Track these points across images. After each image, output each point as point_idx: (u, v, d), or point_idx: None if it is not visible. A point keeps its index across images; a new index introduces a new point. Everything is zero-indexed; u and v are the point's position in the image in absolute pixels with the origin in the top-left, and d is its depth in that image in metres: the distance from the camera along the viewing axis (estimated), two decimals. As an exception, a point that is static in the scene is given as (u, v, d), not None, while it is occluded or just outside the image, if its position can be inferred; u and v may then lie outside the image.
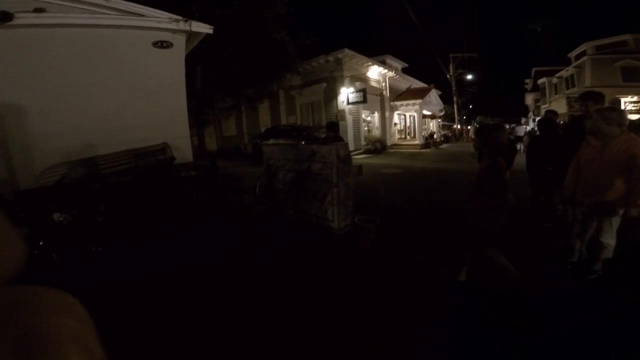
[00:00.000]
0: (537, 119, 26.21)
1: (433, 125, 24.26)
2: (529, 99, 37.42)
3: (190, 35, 5.85)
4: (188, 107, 8.31)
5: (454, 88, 26.36)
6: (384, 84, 18.52)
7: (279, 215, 4.94)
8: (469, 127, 24.66)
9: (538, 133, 4.59)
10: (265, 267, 3.19)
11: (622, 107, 19.12)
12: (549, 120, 4.36)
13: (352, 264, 3.26)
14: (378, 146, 16.51)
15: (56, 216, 2.86)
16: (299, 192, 4.56)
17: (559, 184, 4.13)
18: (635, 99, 19.75)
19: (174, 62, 5.67)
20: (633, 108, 19.48)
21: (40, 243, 2.73)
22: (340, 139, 4.85)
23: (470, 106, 41.21)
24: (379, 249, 3.60)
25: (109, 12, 5.04)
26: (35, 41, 4.52)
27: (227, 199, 5.60)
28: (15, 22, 4.33)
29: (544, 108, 28.91)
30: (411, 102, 19.40)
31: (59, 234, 2.87)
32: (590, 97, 3.53)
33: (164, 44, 5.48)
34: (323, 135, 4.27)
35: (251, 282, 2.89)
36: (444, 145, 21.99)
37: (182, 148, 5.50)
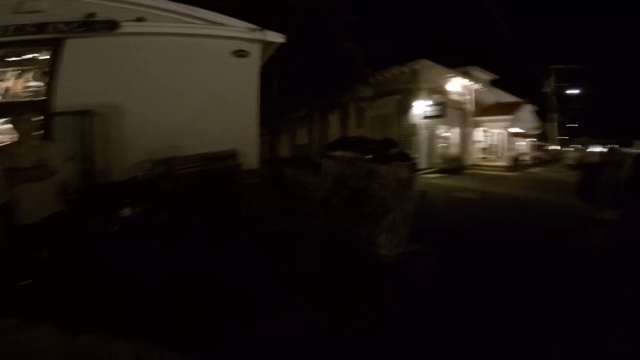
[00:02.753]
0: None
1: (525, 145, 21.39)
2: None
3: (266, 44, 6.24)
4: (264, 114, 8.91)
5: (553, 104, 22.92)
6: (467, 97, 17.09)
7: (330, 232, 4.82)
8: (566, 149, 20.94)
9: None
10: (292, 288, 3.09)
11: None
12: None
13: (396, 297, 2.95)
14: (454, 165, 15.22)
15: (126, 210, 3.25)
16: (352, 212, 4.37)
17: None
18: None
19: (250, 71, 6.12)
20: None
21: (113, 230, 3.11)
22: (406, 156, 4.50)
23: (574, 125, 35.17)
24: (432, 285, 3.19)
25: (194, 21, 5.71)
26: (135, 48, 5.37)
27: (286, 208, 5.71)
28: (120, 30, 5.21)
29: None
30: (499, 117, 17.51)
31: (128, 226, 3.25)
32: None
33: (242, 53, 5.96)
34: (388, 151, 4.00)
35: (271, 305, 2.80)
36: (535, 169, 19.13)
37: (250, 155, 5.85)
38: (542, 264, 3.90)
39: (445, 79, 15.15)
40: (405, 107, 14.54)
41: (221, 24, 5.82)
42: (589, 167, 4.52)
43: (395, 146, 4.64)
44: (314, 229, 5.09)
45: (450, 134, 16.90)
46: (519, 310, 2.76)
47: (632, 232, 1.92)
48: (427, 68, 13.84)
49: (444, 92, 15.16)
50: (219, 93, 5.85)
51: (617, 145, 4.35)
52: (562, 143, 28.76)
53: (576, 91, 24.50)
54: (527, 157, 20.42)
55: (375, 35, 12.04)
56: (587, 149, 10.37)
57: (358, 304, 2.82)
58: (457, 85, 15.90)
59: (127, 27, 5.24)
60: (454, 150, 16.78)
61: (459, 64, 16.66)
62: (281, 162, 17.55)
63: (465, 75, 16.28)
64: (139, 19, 5.37)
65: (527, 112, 20.01)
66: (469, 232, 5.28)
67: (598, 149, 14.04)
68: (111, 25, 5.09)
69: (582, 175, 4.57)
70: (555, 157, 25.08)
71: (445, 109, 13.46)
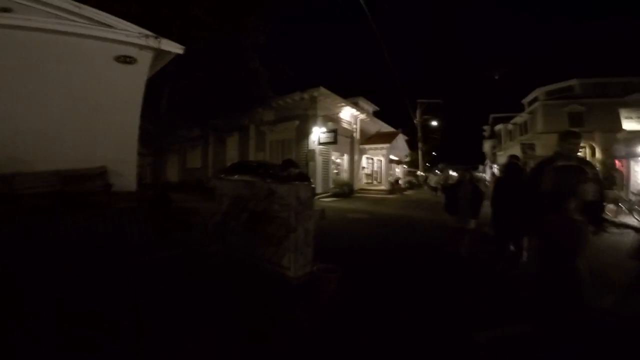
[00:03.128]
0: (494, 166, 28.12)
1: (399, 170, 25.07)
2: (487, 146, 38.99)
3: (159, 53, 5.50)
4: (148, 129, 7.71)
5: (419, 134, 27.87)
6: (355, 126, 19.02)
7: (228, 258, 4.35)
8: (430, 174, 25.75)
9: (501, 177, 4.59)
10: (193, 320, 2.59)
11: None
12: (513, 165, 4.36)
13: (307, 319, 2.77)
14: (346, 190, 16.45)
15: None
16: (254, 235, 4.06)
17: (525, 232, 4.05)
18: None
19: (135, 79, 5.24)
20: (579, 154, 20.63)
21: None
22: (305, 177, 4.52)
23: (434, 153, 43.52)
24: (340, 302, 3.15)
25: (77, 19, 4.63)
26: None
27: (172, 235, 4.91)
28: None
29: (499, 155, 30.84)
30: (379, 146, 19.96)
31: None
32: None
33: (128, 59, 5.08)
34: (285, 174, 3.92)
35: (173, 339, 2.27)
36: (409, 192, 22.55)
37: (126, 175, 4.88)
38: (429, 271, 4.39)
39: (339, 108, 16.54)
40: (303, 133, 15.13)
41: (109, 26, 4.85)
42: (450, 188, 5.46)
43: (296, 166, 4.63)
44: (208, 256, 4.50)
45: (340, 160, 18.37)
46: (424, 314, 2.96)
47: (559, 238, 2.23)
48: (324, 96, 14.82)
49: (336, 120, 16.52)
50: (92, 101, 4.75)
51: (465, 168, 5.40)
52: (427, 169, 35.03)
53: (435, 123, 30.51)
54: (402, 182, 23.94)
55: (281, 59, 12.05)
56: (444, 173, 12.85)
57: (269, 329, 2.51)
58: (347, 114, 17.58)
59: None
60: (344, 176, 18.24)
61: (347, 94, 18.44)
62: (167, 186, 15.57)
63: (354, 105, 18.17)
64: (4, 9, 4.04)
65: (401, 140, 23.62)
66: (364, 248, 5.62)
67: (453, 173, 17.62)
68: None
69: (446, 194, 5.52)
70: (423, 181, 30.24)
71: (337, 136, 14.58)
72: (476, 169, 27.17)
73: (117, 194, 4.32)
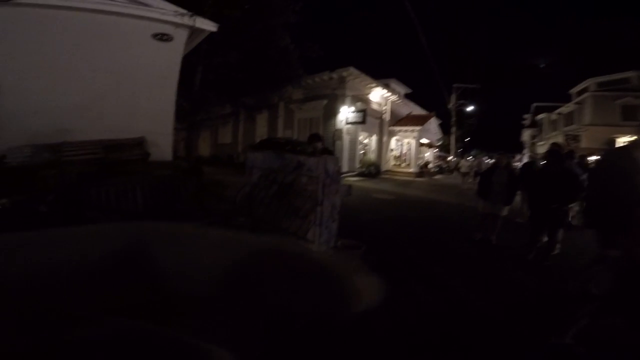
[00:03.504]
0: (528, 155, 26.44)
1: (429, 154, 24.28)
2: (526, 135, 37.25)
3: (194, 31, 5.58)
4: (183, 106, 7.96)
5: (453, 118, 26.63)
6: (385, 108, 18.52)
7: (255, 229, 4.49)
8: (461, 160, 24.56)
9: (542, 166, 4.32)
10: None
11: None
12: (555, 153, 4.08)
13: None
14: (372, 170, 16.27)
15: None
16: (280, 207, 4.15)
17: (564, 222, 3.84)
18: (632, 138, 18.96)
19: (171, 56, 5.37)
20: None
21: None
22: (330, 152, 4.49)
23: (468, 139, 41.54)
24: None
25: None
26: (33, 21, 4.28)
27: (203, 204, 5.14)
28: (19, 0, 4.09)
29: (539, 145, 29.02)
30: (410, 128, 19.35)
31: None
32: None
33: (164, 37, 5.20)
34: (311, 149, 3.93)
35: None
36: (438, 177, 21.89)
37: (162, 146, 5.10)
38: (456, 256, 4.30)
39: (368, 89, 16.14)
40: (331, 112, 14.99)
41: (146, 5, 4.98)
42: (485, 172, 5.20)
43: (322, 141, 4.61)
44: (236, 227, 4.69)
45: (368, 140, 18.06)
46: (449, 299, 2.94)
47: None
48: (353, 76, 14.52)
49: (366, 101, 16.14)
50: (132, 76, 4.96)
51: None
52: (459, 154, 33.63)
53: (472, 108, 28.99)
54: (431, 166, 23.23)
55: (311, 38, 11.87)
56: (478, 159, 12.18)
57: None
58: (377, 95, 17.11)
59: None
60: (372, 157, 17.97)
61: (379, 76, 17.93)
62: (199, 160, 16.19)
63: (385, 86, 17.63)
64: None
65: (433, 124, 22.75)
66: (388, 229, 5.58)
67: (488, 160, 16.85)
68: None
69: (480, 178, 5.27)
70: (454, 167, 29.20)
71: (366, 116, 14.30)
72: (512, 157, 25.69)
73: (154, 163, 4.55)
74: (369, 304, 0.33)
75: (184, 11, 5.21)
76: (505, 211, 4.74)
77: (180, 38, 5.40)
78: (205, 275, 0.32)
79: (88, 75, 4.73)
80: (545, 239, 4.08)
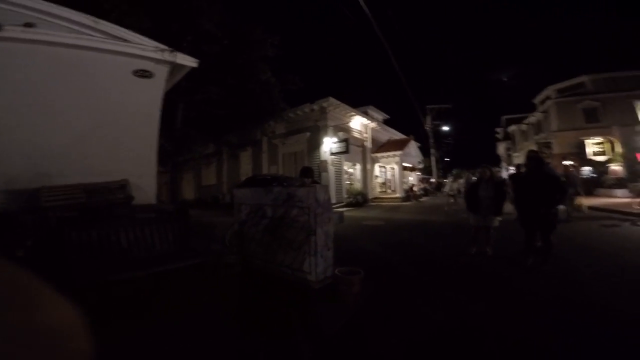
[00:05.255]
0: (509, 168, 27.35)
1: (413, 178, 24.76)
2: (501, 149, 38.09)
3: (174, 67, 5.68)
4: (164, 147, 7.91)
5: (431, 140, 27.59)
6: (366, 135, 19.04)
7: (247, 266, 4.32)
8: (444, 180, 24.83)
9: (523, 172, 4.48)
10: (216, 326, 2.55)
11: (588, 149, 19.21)
12: (536, 158, 4.24)
13: (331, 322, 2.70)
14: (360, 199, 16.34)
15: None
16: (272, 241, 4.04)
17: (554, 223, 3.92)
18: (599, 140, 19.39)
19: (152, 93, 5.40)
20: (598, 150, 19.26)
21: None
22: (320, 184, 4.51)
23: (447, 159, 42.81)
24: (363, 305, 3.06)
25: (95, 34, 4.86)
26: (13, 55, 4.23)
27: (191, 246, 4.94)
28: (1, 34, 4.09)
29: (515, 156, 30.10)
30: (392, 153, 19.82)
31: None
32: None
33: (145, 73, 5.26)
34: (298, 184, 3.94)
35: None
36: (424, 199, 22.18)
37: (146, 188, 4.98)
38: (454, 271, 4.23)
39: (349, 117, 16.64)
40: (315, 144, 15.24)
41: (126, 40, 5.07)
42: (471, 186, 5.32)
43: (312, 175, 4.65)
44: (228, 265, 4.50)
45: (353, 170, 18.32)
46: (454, 316, 2.83)
47: None
48: (333, 106, 14.98)
49: (347, 130, 16.59)
50: (113, 115, 4.91)
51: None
52: (441, 175, 34.44)
53: (447, 128, 30.23)
54: (416, 189, 23.59)
55: (290, 71, 12.28)
56: (466, 178, 12.28)
57: (294, 336, 2.45)
58: (357, 123, 17.65)
59: (10, 31, 4.13)
60: (358, 185, 18.14)
61: (356, 104, 18.51)
62: (184, 203, 15.82)
63: (364, 114, 18.26)
64: (28, 24, 4.32)
65: (413, 147, 23.41)
66: (380, 252, 5.49)
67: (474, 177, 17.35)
68: None
69: (466, 193, 5.38)
70: (437, 188, 29.78)
71: (349, 145, 14.59)
72: (495, 169, 26.18)
73: (138, 206, 4.40)
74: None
75: (164, 47, 5.33)
76: (496, 222, 4.82)
77: (161, 74, 5.47)
78: None
79: (68, 114, 4.63)
80: (539, 243, 4.14)
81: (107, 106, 4.92)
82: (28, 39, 4.33)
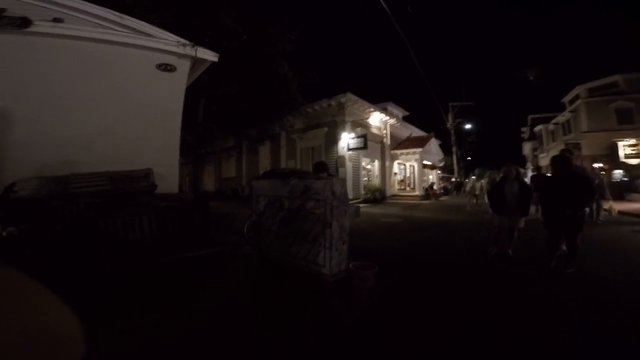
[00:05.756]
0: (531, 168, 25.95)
1: (433, 176, 24.23)
2: (527, 149, 36.74)
3: (196, 61, 5.83)
4: (187, 140, 8.14)
5: (453, 138, 26.82)
6: (384, 132, 18.78)
7: (263, 258, 4.38)
8: (465, 180, 24.06)
9: (550, 174, 4.27)
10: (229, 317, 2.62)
11: (620, 152, 18.31)
12: (563, 158, 4.04)
13: (343, 316, 2.70)
14: (377, 196, 16.18)
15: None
16: (289, 233, 4.06)
17: (581, 226, 3.74)
18: (632, 141, 18.47)
19: (175, 87, 5.58)
20: (632, 152, 18.35)
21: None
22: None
23: (469, 158, 41.42)
24: (377, 301, 3.04)
25: (120, 29, 5.07)
26: (44, 49, 4.50)
27: (210, 236, 5.07)
28: (32, 29, 4.35)
29: (542, 157, 28.82)
30: (411, 150, 19.47)
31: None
32: None
33: (168, 67, 5.43)
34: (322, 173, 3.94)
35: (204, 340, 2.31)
36: (444, 198, 21.70)
37: (169, 177, 5.15)
38: (473, 273, 4.12)
39: (367, 113, 16.46)
40: (332, 139, 15.20)
41: (149, 35, 5.26)
42: (495, 185, 5.09)
43: (328, 169, 4.63)
44: (245, 256, 4.59)
45: (371, 166, 18.14)
46: (467, 317, 2.77)
47: None
48: (351, 102, 14.86)
49: (365, 126, 16.42)
50: (137, 107, 5.12)
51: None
52: (462, 174, 33.46)
53: (470, 126, 29.24)
54: (436, 188, 23.09)
55: (307, 66, 12.24)
56: (491, 176, 11.70)
57: (307, 329, 2.47)
58: (376, 119, 17.44)
59: (40, 26, 4.40)
60: (376, 182, 17.96)
61: (376, 100, 18.32)
62: (205, 194, 16.24)
63: (383, 110, 18.00)
64: (57, 20, 4.57)
65: (434, 145, 22.89)
66: (397, 249, 5.43)
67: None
68: (22, 23, 4.23)
69: (491, 192, 5.19)
70: (458, 187, 28.99)
71: (367, 141, 14.44)
72: (520, 168, 25.05)
73: (161, 194, 4.56)
74: None
75: (186, 41, 5.48)
76: (522, 223, 4.63)
77: (183, 68, 5.63)
78: None
79: (95, 106, 4.88)
80: (564, 246, 3.96)
81: (131, 99, 5.12)
82: (57, 34, 4.56)
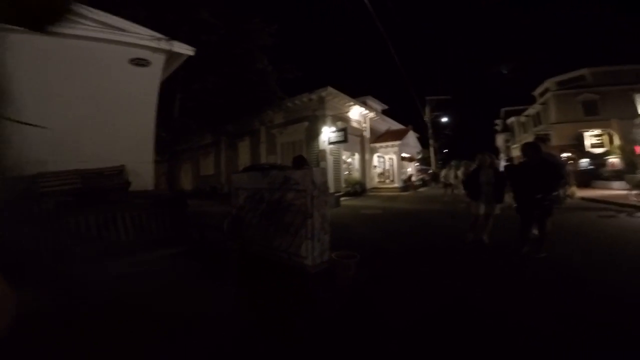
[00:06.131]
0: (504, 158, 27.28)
1: (411, 168, 24.75)
2: (500, 140, 38.07)
3: (171, 55, 5.63)
4: (162, 136, 7.88)
5: (430, 130, 27.46)
6: (364, 125, 18.95)
7: (245, 252, 4.35)
8: (442, 171, 24.68)
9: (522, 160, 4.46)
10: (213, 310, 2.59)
11: (587, 141, 19.41)
12: (534, 145, 4.23)
13: (328, 306, 2.73)
14: (358, 189, 16.35)
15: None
16: (269, 225, 4.06)
17: (551, 210, 3.94)
18: (597, 132, 19.55)
19: (149, 82, 5.37)
20: (597, 142, 19.39)
21: None
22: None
23: (445, 150, 42.55)
24: (359, 289, 3.10)
25: (90, 23, 4.80)
26: (7, 45, 4.17)
27: (187, 233, 4.96)
28: None
29: (514, 148, 30.07)
30: (390, 143, 19.77)
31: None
32: None
33: (142, 62, 5.22)
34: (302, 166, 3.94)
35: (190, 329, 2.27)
36: (422, 189, 22.24)
37: (143, 174, 4.97)
38: (450, 258, 4.27)
39: (347, 107, 16.50)
40: (313, 134, 15.16)
41: (122, 29, 5.01)
42: (471, 173, 5.25)
43: (307, 163, 4.62)
44: (225, 251, 4.52)
45: (351, 159, 18.28)
46: (446, 300, 2.87)
47: None
48: (332, 96, 14.84)
49: (346, 120, 16.48)
50: (110, 103, 4.89)
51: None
52: (440, 166, 34.34)
53: (446, 119, 30.05)
54: (414, 179, 23.62)
55: (288, 60, 12.07)
56: (465, 166, 11.75)
57: (291, 320, 2.47)
58: (356, 113, 17.53)
59: None
60: (356, 175, 18.13)
61: (355, 94, 18.34)
62: (182, 192, 15.81)
63: (363, 104, 18.11)
64: None
65: (412, 137, 23.33)
66: (377, 239, 5.53)
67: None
68: None
69: (467, 180, 5.34)
70: (435, 178, 29.73)
71: (347, 135, 14.50)
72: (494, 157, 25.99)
73: (135, 192, 4.40)
74: None
75: (161, 35, 5.29)
76: (497, 209, 4.80)
77: (158, 63, 5.43)
78: None
79: (65, 103, 4.62)
80: (535, 231, 4.16)
81: (103, 94, 4.89)
82: (19, 29, 4.25)
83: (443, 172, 14.84)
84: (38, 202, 3.20)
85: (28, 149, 4.20)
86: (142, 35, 5.15)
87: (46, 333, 2.12)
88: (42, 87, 4.42)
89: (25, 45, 4.31)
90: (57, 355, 1.97)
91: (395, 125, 23.25)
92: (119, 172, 4.22)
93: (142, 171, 5.00)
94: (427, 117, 26.94)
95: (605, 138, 19.19)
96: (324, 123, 14.80)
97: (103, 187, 3.92)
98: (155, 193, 4.84)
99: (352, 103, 16.50)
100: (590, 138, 19.68)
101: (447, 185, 13.77)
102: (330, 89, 14.30)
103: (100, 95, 4.86)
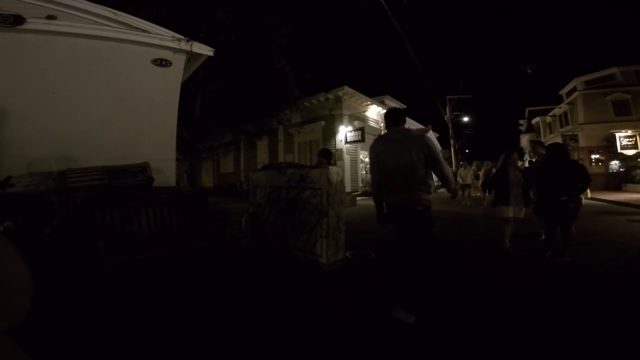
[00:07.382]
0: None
1: (431, 169, 24.21)
2: (524, 141, 36.64)
3: (191, 56, 5.81)
4: (184, 135, 8.13)
5: (450, 131, 26.78)
6: (382, 125, 18.72)
7: (261, 249, 4.42)
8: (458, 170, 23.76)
9: (546, 161, 4.26)
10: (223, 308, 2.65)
11: (617, 142, 18.50)
12: (558, 146, 4.05)
13: (341, 305, 2.73)
14: (376, 188, 16.18)
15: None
16: (285, 223, 4.11)
17: (576, 213, 3.77)
18: (629, 133, 18.63)
19: (170, 82, 5.56)
20: (628, 143, 18.50)
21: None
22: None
23: (467, 150, 41.38)
24: (375, 289, 3.07)
25: (114, 25, 5.05)
26: (38, 46, 4.51)
27: (207, 229, 5.09)
28: (25, 26, 4.35)
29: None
30: (409, 143, 19.38)
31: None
32: None
33: (163, 62, 5.42)
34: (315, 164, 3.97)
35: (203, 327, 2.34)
36: (441, 190, 21.75)
37: (166, 171, 5.16)
38: (470, 260, 4.16)
39: (364, 106, 16.36)
40: (330, 133, 15.15)
41: (144, 31, 5.24)
42: (495, 175, 4.75)
43: (330, 156, 4.64)
44: (243, 249, 4.61)
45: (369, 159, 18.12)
46: (468, 306, 2.81)
47: None
48: (348, 95, 14.77)
49: (363, 119, 16.35)
50: (134, 102, 5.13)
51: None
52: (461, 166, 33.41)
53: (467, 119, 29.15)
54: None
55: (306, 60, 12.08)
56: (486, 166, 10.26)
57: (302, 317, 2.50)
58: (373, 112, 17.36)
59: (34, 24, 4.41)
60: (374, 175, 17.92)
61: (373, 93, 18.12)
62: (205, 190, 16.24)
63: (380, 103, 17.88)
64: (50, 17, 4.57)
65: (431, 137, 22.79)
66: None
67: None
68: (15, 20, 4.26)
69: (493, 182, 4.91)
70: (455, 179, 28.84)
71: (365, 134, 14.40)
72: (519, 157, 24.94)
73: (158, 188, 4.57)
74: None
75: (181, 36, 5.46)
76: (523, 213, 4.49)
77: (179, 63, 5.62)
78: None
79: (91, 102, 4.87)
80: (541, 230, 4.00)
81: (127, 94, 5.11)
82: (51, 31, 4.54)
83: (460, 172, 12.95)
84: (66, 197, 3.38)
85: (58, 146, 4.48)
86: (163, 36, 5.33)
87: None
88: (68, 88, 4.69)
89: (52, 48, 4.58)
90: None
91: (414, 125, 22.83)
92: (143, 169, 4.39)
93: (165, 168, 5.18)
94: (447, 116, 26.25)
95: (638, 139, 18.13)
96: (340, 122, 14.75)
97: (128, 183, 4.09)
98: (177, 189, 5.00)
99: (369, 102, 16.35)
100: (621, 139, 18.67)
101: (464, 186, 11.88)
102: (346, 88, 14.24)
103: (125, 95, 5.08)
